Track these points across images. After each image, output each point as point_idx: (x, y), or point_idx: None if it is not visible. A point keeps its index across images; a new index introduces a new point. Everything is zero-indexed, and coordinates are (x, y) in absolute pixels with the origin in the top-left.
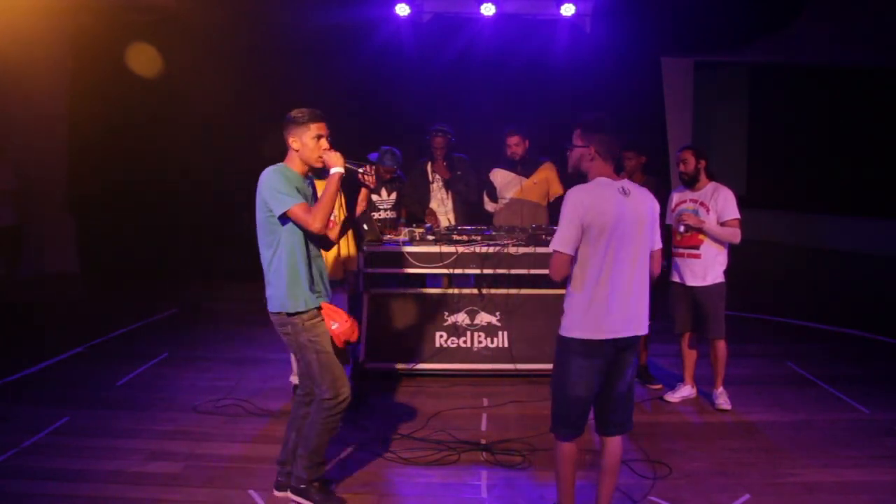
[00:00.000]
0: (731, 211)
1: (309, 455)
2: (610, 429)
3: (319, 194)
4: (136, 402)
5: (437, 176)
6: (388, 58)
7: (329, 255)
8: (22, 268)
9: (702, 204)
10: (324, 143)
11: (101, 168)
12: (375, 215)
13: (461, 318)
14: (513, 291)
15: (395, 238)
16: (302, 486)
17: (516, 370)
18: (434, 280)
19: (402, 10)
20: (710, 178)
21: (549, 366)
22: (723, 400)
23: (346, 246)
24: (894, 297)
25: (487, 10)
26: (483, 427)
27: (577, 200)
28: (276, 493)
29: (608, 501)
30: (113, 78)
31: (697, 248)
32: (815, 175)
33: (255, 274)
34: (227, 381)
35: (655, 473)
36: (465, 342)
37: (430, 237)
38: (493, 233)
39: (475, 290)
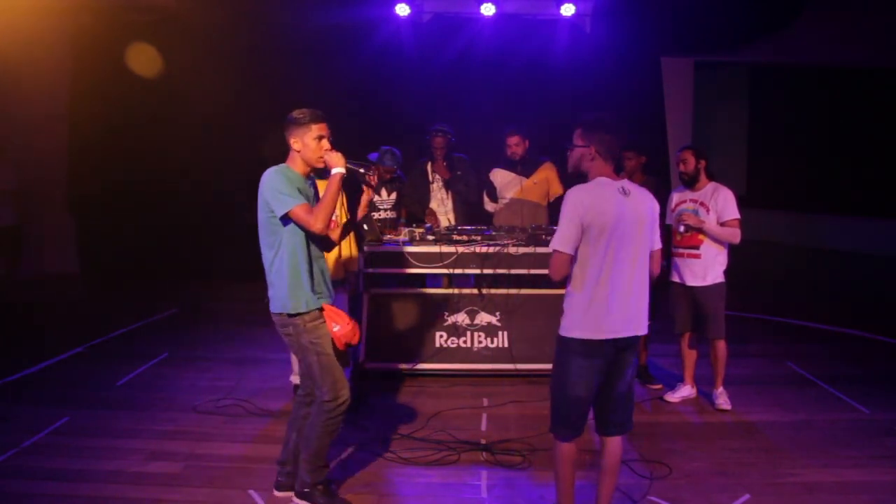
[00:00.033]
0: (731, 211)
1: (311, 458)
2: (610, 429)
3: (321, 195)
4: (136, 402)
5: (437, 176)
6: (388, 58)
7: (330, 256)
8: (22, 268)
9: (702, 204)
10: (325, 143)
11: (101, 168)
12: (375, 215)
13: (461, 318)
14: (513, 291)
15: (396, 238)
16: (306, 489)
17: (516, 370)
18: (434, 280)
19: (402, 10)
20: (710, 178)
21: (549, 366)
22: (723, 400)
23: (348, 246)
24: (894, 297)
25: (487, 10)
26: (483, 427)
27: (577, 200)
28: (277, 493)
29: (608, 501)
30: (113, 78)
31: (697, 248)
32: (815, 175)
33: (255, 274)
34: (228, 381)
35: (655, 473)
36: (465, 342)
37: (430, 237)
38: (493, 233)
39: (475, 290)
